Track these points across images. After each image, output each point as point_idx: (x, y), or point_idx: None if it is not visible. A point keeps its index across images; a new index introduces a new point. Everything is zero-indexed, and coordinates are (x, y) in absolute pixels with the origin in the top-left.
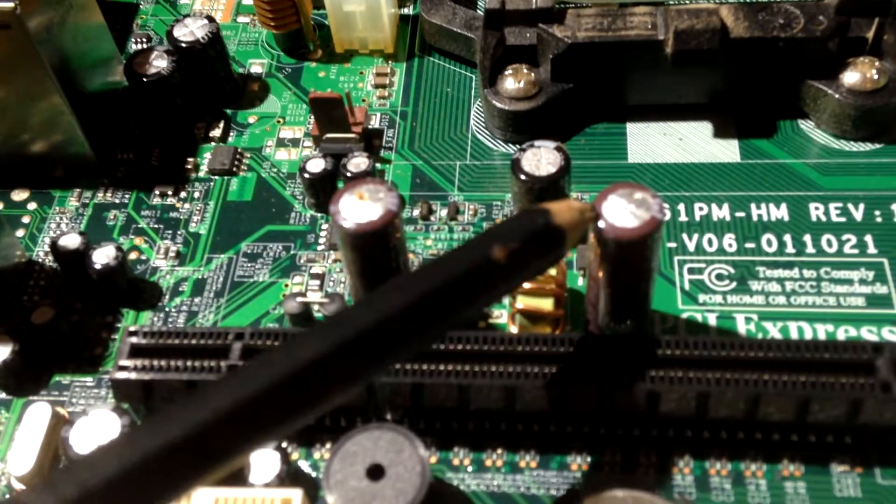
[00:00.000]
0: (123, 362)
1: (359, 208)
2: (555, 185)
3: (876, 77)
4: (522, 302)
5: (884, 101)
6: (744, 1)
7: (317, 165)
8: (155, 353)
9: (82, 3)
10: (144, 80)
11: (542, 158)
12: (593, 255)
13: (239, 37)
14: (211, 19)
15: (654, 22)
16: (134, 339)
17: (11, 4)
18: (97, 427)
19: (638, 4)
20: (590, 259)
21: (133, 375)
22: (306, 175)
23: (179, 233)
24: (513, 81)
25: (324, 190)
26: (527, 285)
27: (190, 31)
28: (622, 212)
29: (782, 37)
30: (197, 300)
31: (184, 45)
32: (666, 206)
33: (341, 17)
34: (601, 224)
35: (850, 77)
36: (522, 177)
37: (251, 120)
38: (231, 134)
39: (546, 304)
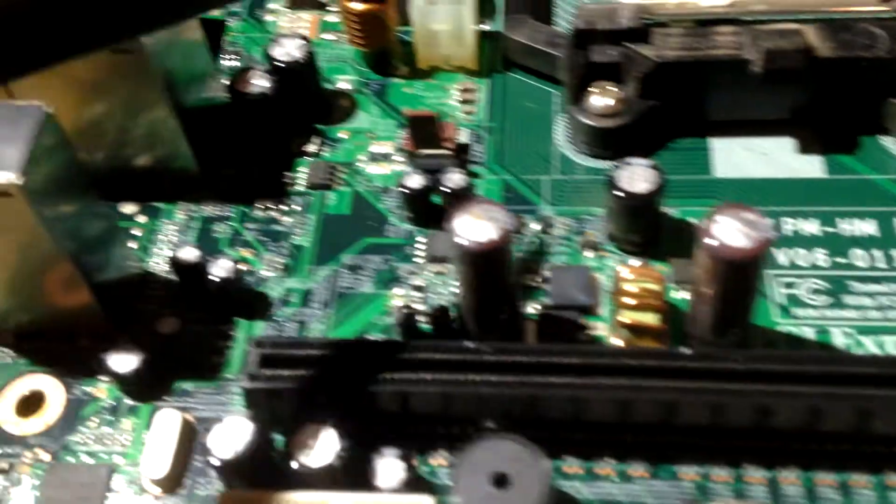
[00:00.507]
0: (255, 371)
1: (476, 227)
2: (650, 202)
3: None
4: (627, 317)
5: None
6: (826, 20)
7: (415, 181)
8: (282, 363)
9: (187, 23)
10: (247, 98)
11: (636, 176)
12: (702, 272)
13: (326, 54)
14: (306, 39)
15: (741, 41)
16: (263, 350)
17: None
18: (233, 432)
19: (718, 23)
20: (697, 275)
21: (265, 384)
22: (404, 190)
23: (284, 245)
24: (599, 98)
25: (421, 205)
26: (631, 301)
27: (286, 51)
28: (733, 232)
29: (866, 56)
30: (305, 310)
31: (281, 64)
32: (773, 224)
33: (427, 35)
34: (713, 243)
35: None
36: (618, 194)
37: (343, 135)
38: (325, 149)
39: (650, 319)
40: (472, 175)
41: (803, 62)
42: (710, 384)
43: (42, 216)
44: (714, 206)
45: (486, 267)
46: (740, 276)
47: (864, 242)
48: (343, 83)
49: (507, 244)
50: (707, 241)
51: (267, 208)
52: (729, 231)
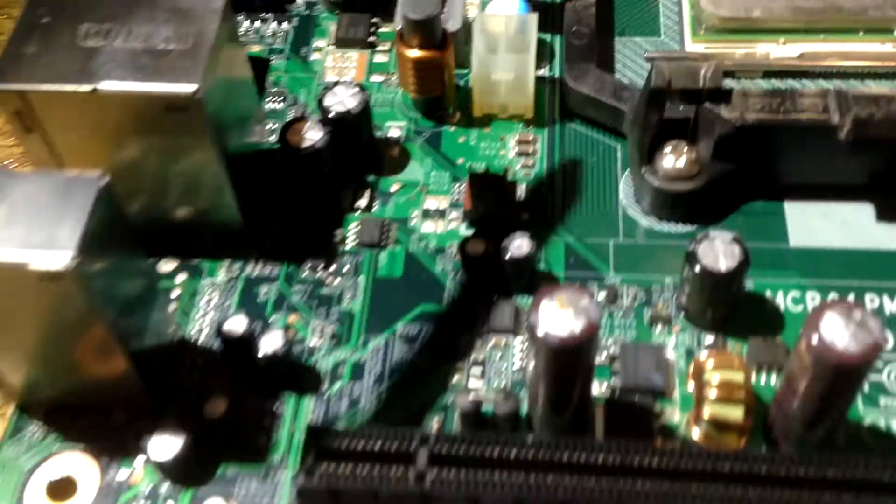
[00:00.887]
0: (309, 467)
1: (560, 318)
2: (733, 281)
3: None
4: (710, 411)
5: None
6: None
7: (477, 247)
8: (338, 457)
9: (235, 58)
10: (301, 153)
11: (719, 251)
12: (800, 368)
13: (374, 97)
14: (361, 88)
15: (826, 105)
16: (318, 440)
17: (193, 88)
18: None
19: (787, 75)
20: (793, 371)
21: (320, 482)
22: (466, 256)
23: (333, 310)
24: (672, 159)
25: (483, 272)
26: (714, 394)
27: (341, 100)
28: (841, 332)
29: None
30: (357, 387)
31: (335, 115)
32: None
33: (486, 83)
34: (817, 343)
35: None
36: (699, 271)
37: (394, 188)
38: (375, 203)
39: (736, 414)
40: (535, 238)
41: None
42: (820, 495)
43: (90, 295)
44: (821, 303)
45: (565, 361)
46: (843, 379)
47: None
48: (393, 130)
49: (591, 339)
50: (812, 339)
51: (314, 268)
52: (836, 331)
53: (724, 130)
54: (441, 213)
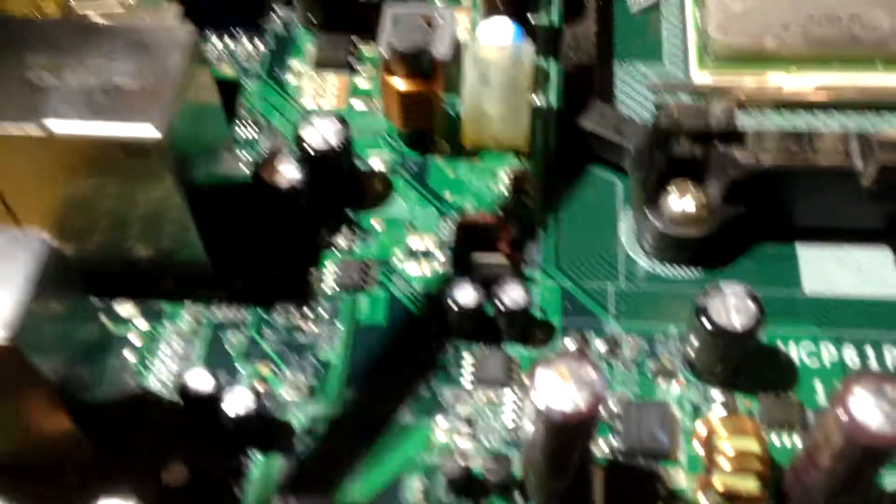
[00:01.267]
0: None
1: (561, 391)
2: (748, 338)
3: None
4: (723, 483)
5: None
6: None
7: (467, 296)
8: None
9: (202, 83)
10: (277, 192)
11: (731, 307)
12: (825, 441)
13: (355, 124)
14: (342, 120)
15: (847, 148)
16: None
17: (156, 134)
18: None
19: (799, 106)
20: (816, 444)
21: None
22: (454, 307)
23: (308, 361)
24: (677, 201)
25: (472, 319)
26: (727, 465)
27: (321, 135)
28: (871, 409)
29: None
30: (333, 445)
31: (315, 151)
32: None
33: (477, 115)
34: (845, 419)
35: None
36: (711, 328)
37: (376, 225)
38: (356, 241)
39: (751, 486)
40: (526, 279)
41: None
42: None
43: (32, 361)
44: (850, 376)
45: (568, 434)
46: (873, 459)
47: None
48: (375, 161)
49: (594, 415)
50: (841, 417)
51: (288, 313)
52: (867, 408)
53: (738, 174)
54: (427, 255)
